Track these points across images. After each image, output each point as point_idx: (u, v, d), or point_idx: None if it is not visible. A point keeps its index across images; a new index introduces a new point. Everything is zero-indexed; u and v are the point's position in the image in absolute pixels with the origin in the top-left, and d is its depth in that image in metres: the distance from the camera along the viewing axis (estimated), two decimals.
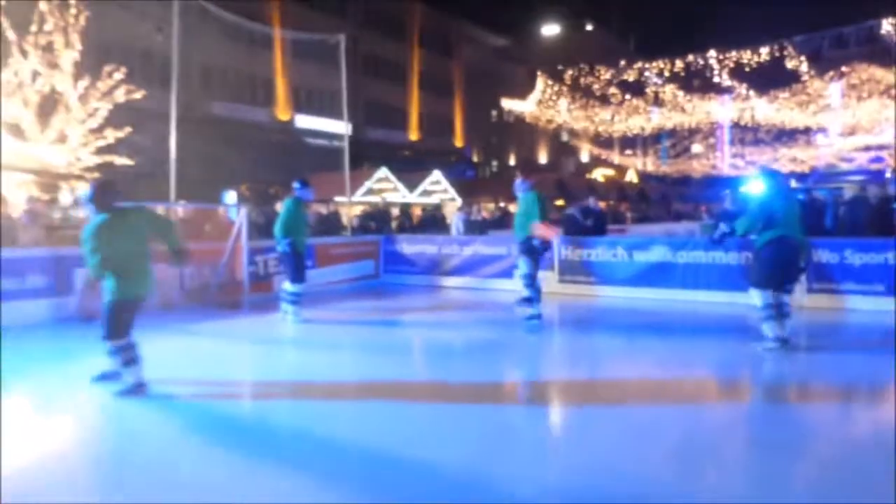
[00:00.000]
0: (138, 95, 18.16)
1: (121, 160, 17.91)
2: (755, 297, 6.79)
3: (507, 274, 11.77)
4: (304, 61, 32.34)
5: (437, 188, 30.24)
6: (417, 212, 20.94)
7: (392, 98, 41.56)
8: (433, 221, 17.13)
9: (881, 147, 27.29)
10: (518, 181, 8.32)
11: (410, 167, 32.11)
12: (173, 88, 11.11)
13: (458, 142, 47.45)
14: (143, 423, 4.68)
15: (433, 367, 6.97)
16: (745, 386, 6.13)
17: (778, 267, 6.69)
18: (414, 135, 43.28)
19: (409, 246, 13.40)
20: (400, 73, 42.72)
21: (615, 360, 6.89)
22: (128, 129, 18.12)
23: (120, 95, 18.00)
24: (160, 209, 10.23)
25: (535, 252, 7.87)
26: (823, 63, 21.94)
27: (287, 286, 8.78)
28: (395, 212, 19.97)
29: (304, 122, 34.16)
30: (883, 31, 15.30)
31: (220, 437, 4.44)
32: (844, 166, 29.54)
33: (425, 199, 28.93)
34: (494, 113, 48.03)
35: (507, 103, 28.34)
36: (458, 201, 28.04)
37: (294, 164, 26.27)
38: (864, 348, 7.08)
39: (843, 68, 21.58)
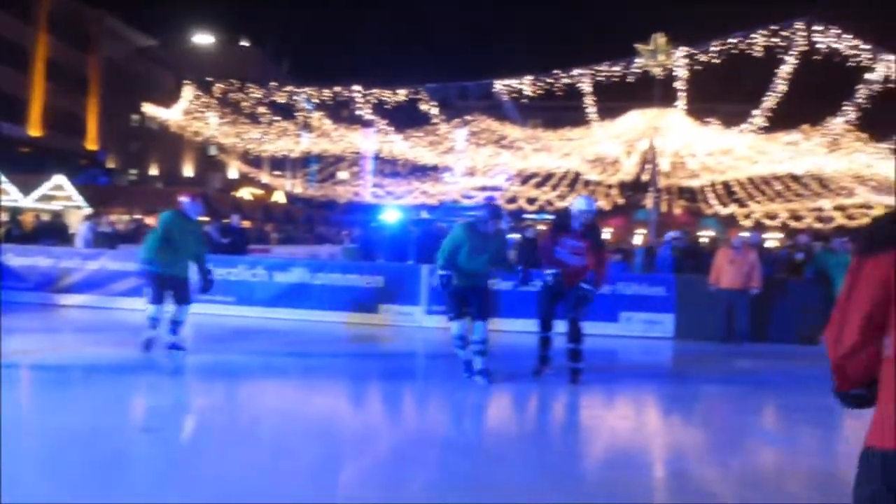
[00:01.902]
0: None
1: None
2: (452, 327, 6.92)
3: (138, 292, 10.91)
4: None
5: (61, 194, 26.76)
6: (30, 219, 18.28)
7: (8, 84, 35.86)
8: (52, 231, 15.13)
9: (494, 188, 31.73)
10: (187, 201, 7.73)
11: (27, 167, 27.94)
12: None
13: (91, 144, 42.78)
14: None
15: (37, 395, 6.12)
16: (377, 396, 6.56)
17: (459, 297, 6.82)
18: (35, 130, 37.83)
19: (18, 257, 11.64)
20: (21, 58, 37.08)
21: (251, 382, 6.81)
22: None
23: None
24: None
25: None
26: (451, 110, 24.81)
27: None
28: (3, 217, 17.20)
29: None
30: (496, 89, 17.97)
31: None
32: (466, 202, 33.73)
33: (44, 206, 25.39)
34: (136, 117, 44.44)
35: (151, 109, 26.40)
36: (87, 210, 25.23)
37: None
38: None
39: (467, 117, 24.67)
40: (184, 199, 7.85)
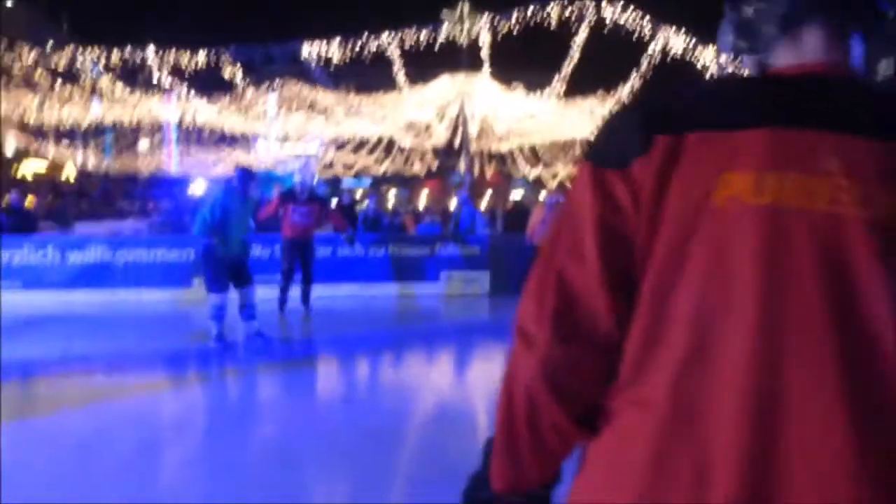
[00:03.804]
0: None
1: None
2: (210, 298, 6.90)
3: None
4: None
5: None
6: None
7: None
8: None
9: (309, 154, 31.07)
10: None
11: None
12: None
13: None
14: None
15: None
16: (193, 379, 6.23)
17: (223, 267, 6.80)
18: None
19: None
20: None
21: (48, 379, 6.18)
22: None
23: None
24: None
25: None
26: (257, 75, 23.78)
27: None
28: None
29: None
30: (303, 54, 17.42)
31: None
32: (281, 170, 32.64)
33: None
34: None
35: None
36: None
37: None
38: None
39: (276, 81, 23.75)
40: None
